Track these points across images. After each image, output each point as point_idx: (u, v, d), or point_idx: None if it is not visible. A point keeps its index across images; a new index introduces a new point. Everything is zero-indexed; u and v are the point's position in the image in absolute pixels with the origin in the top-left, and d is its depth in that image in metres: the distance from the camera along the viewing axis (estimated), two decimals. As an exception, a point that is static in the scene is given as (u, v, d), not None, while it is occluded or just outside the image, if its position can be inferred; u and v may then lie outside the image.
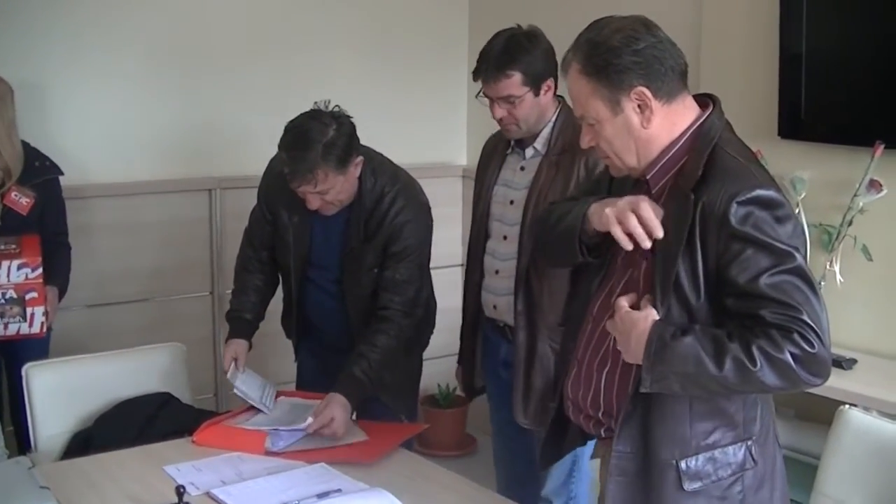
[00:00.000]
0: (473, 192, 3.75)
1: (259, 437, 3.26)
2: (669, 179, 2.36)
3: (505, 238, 3.50)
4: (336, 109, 3.49)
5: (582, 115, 2.39)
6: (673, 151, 2.35)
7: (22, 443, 3.92)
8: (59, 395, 3.67)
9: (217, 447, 3.24)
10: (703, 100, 2.45)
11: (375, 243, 3.59)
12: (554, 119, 3.46)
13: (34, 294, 4.06)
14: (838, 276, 3.99)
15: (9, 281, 4.02)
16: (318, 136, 3.37)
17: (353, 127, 3.48)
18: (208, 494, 2.86)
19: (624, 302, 2.34)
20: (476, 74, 3.41)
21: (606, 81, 2.31)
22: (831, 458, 2.89)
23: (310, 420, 3.33)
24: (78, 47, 4.89)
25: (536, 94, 3.36)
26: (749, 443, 2.38)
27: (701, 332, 2.24)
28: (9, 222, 4.19)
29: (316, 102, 3.52)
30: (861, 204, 3.88)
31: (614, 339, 2.39)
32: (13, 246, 4.08)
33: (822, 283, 4.01)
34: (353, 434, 3.35)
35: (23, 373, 3.66)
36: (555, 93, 3.45)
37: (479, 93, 3.45)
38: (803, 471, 3.41)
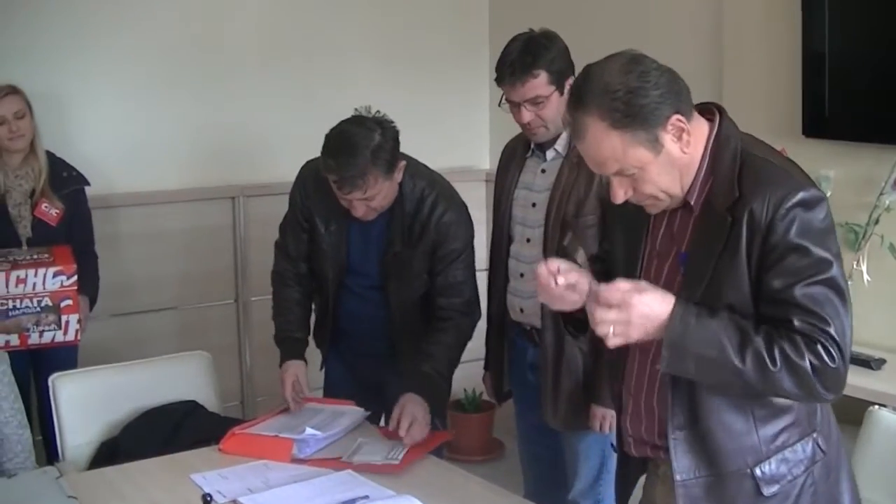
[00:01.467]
0: (494, 196, 3.71)
1: (286, 444, 3.25)
2: (701, 194, 2.32)
3: (528, 241, 3.47)
4: (378, 115, 3.47)
5: (619, 169, 2.26)
6: (702, 167, 2.31)
7: (50, 453, 3.93)
8: (85, 404, 3.67)
9: (244, 455, 3.23)
10: (707, 108, 2.39)
11: (422, 247, 3.57)
12: None
13: (69, 301, 4.08)
14: (865, 276, 3.97)
15: (44, 289, 4.05)
16: (365, 142, 3.34)
17: (397, 132, 3.45)
18: (234, 502, 2.86)
19: (622, 284, 2.26)
20: (500, 80, 3.35)
21: (643, 124, 2.21)
22: (861, 458, 2.88)
23: (343, 426, 3.37)
24: (99, 58, 4.93)
25: (561, 92, 3.31)
26: (815, 434, 2.37)
27: (728, 318, 2.23)
28: (38, 233, 4.24)
29: (357, 108, 3.49)
30: (887, 202, 3.86)
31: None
32: (46, 255, 4.12)
33: (850, 282, 3.97)
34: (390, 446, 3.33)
35: (49, 383, 3.67)
36: None
37: (501, 100, 3.40)
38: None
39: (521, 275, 3.50)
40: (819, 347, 2.17)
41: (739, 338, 2.20)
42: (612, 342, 2.26)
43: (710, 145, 2.32)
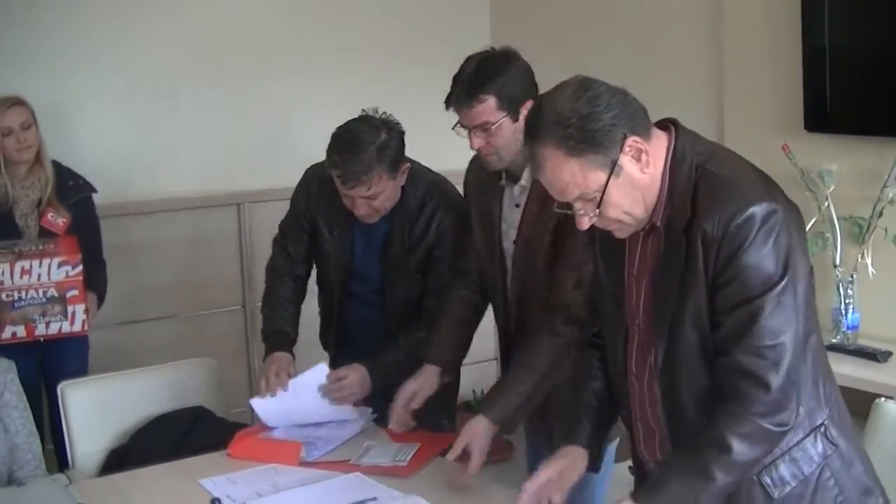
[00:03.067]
0: (472, 217, 3.47)
1: (294, 447, 3.25)
2: (665, 213, 2.31)
3: None
4: (385, 115, 3.49)
5: (580, 194, 2.26)
6: (664, 187, 2.30)
7: (62, 461, 3.95)
8: (94, 412, 3.69)
9: (252, 459, 3.24)
10: (664, 124, 2.37)
11: (419, 252, 3.57)
12: None
13: (75, 292, 4.11)
14: (870, 268, 3.97)
15: (49, 279, 4.07)
16: (371, 139, 3.35)
17: (402, 132, 3.46)
18: (243, 507, 2.87)
19: None
20: (448, 101, 3.13)
21: (598, 148, 2.21)
22: (867, 450, 2.85)
23: (350, 428, 3.40)
24: (104, 68, 4.95)
25: (515, 119, 3.06)
26: (822, 428, 2.36)
27: (677, 465, 2.30)
28: (45, 242, 4.27)
29: (364, 109, 3.50)
30: (891, 195, 3.86)
31: (656, 388, 2.39)
32: (52, 245, 4.14)
33: (855, 276, 3.99)
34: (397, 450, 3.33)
35: (58, 391, 3.69)
36: None
37: (455, 124, 3.16)
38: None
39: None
40: (753, 391, 2.21)
41: (694, 470, 2.25)
42: None
43: (668, 162, 2.31)
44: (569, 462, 2.63)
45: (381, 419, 3.52)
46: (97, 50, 4.93)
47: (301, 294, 3.81)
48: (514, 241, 3.21)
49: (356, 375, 3.45)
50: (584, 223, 2.32)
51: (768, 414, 2.21)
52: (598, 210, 2.28)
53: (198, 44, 5.17)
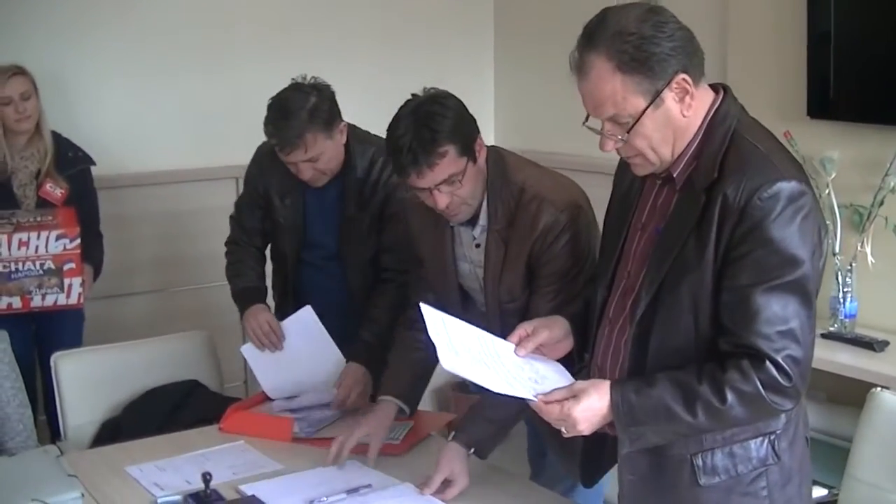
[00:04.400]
0: (414, 246, 3.27)
1: (286, 423, 3.25)
2: (686, 170, 2.28)
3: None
4: (314, 80, 3.53)
5: (614, 114, 2.22)
6: (695, 140, 2.27)
7: (54, 432, 3.94)
8: (87, 384, 3.69)
9: (244, 434, 3.24)
10: (714, 86, 2.35)
11: (372, 208, 3.59)
12: (486, 183, 2.95)
13: (72, 265, 4.10)
14: (869, 257, 3.96)
15: (47, 252, 4.07)
16: (300, 104, 3.40)
17: (333, 94, 3.51)
18: (236, 490, 2.85)
19: (556, 398, 2.28)
20: (401, 172, 2.84)
21: (648, 73, 2.17)
22: (863, 441, 2.87)
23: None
24: (105, 39, 4.93)
25: (474, 161, 2.87)
26: (772, 437, 2.31)
27: (667, 379, 2.22)
28: (43, 213, 4.25)
29: (294, 78, 3.56)
30: (892, 184, 3.85)
31: (627, 337, 2.36)
32: (50, 217, 4.13)
33: (854, 264, 3.98)
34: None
35: (51, 362, 3.68)
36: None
37: (410, 191, 2.93)
38: (835, 454, 3.38)
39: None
40: (768, 365, 2.14)
41: (683, 394, 2.19)
42: (567, 435, 2.30)
43: (707, 119, 2.28)
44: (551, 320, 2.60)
45: (373, 397, 3.51)
46: (98, 21, 4.90)
47: (262, 261, 3.85)
48: (484, 284, 3.04)
49: (349, 379, 3.43)
50: (609, 146, 2.28)
51: (773, 391, 2.15)
52: (626, 135, 2.24)
53: (198, 17, 5.14)
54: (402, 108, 2.88)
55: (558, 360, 2.56)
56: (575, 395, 2.25)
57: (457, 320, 2.56)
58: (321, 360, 3.52)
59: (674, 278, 2.25)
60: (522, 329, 2.52)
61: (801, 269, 2.14)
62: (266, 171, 3.68)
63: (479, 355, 2.45)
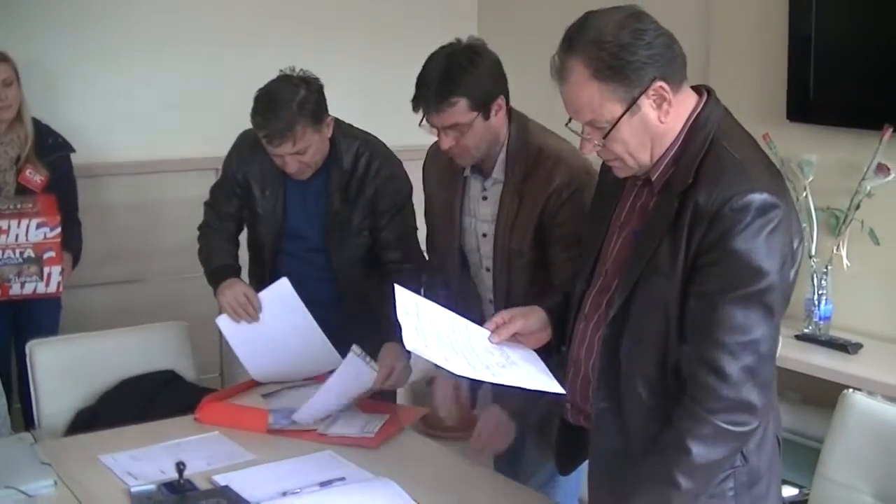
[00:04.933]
0: (426, 202, 3.47)
1: (261, 414, 3.25)
2: (665, 174, 2.29)
3: (488, 270, 3.29)
4: (302, 72, 3.53)
5: (592, 119, 2.25)
6: (675, 145, 2.28)
7: (29, 420, 3.93)
8: (63, 372, 3.67)
9: (220, 425, 3.24)
10: (697, 88, 2.36)
11: (361, 203, 3.59)
12: (506, 141, 3.12)
13: (52, 253, 4.09)
14: (845, 260, 3.98)
15: (27, 240, 4.06)
16: (290, 96, 3.40)
17: (321, 87, 3.50)
18: (209, 480, 2.84)
19: None
20: (415, 103, 3.01)
21: (624, 81, 2.19)
22: (834, 442, 2.87)
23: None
24: (89, 27, 4.93)
25: (486, 117, 3.01)
26: None
27: (640, 475, 2.25)
28: (22, 199, 4.23)
29: (282, 69, 3.55)
30: (868, 188, 3.87)
31: (600, 335, 2.38)
32: (30, 205, 4.12)
33: (829, 267, 4.00)
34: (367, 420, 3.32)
35: (27, 350, 3.66)
36: (508, 110, 3.11)
37: (421, 120, 3.05)
38: (806, 454, 3.40)
39: (490, 300, 3.30)
40: (716, 383, 2.16)
41: (660, 476, 2.21)
42: None
43: (688, 124, 2.28)
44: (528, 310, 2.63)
45: None
46: (80, 9, 4.89)
47: (235, 244, 3.83)
48: (493, 237, 3.16)
49: (390, 357, 3.36)
50: (587, 149, 2.31)
51: (727, 411, 2.17)
52: (603, 140, 2.26)
53: (181, 7, 5.14)
54: (443, 47, 3.05)
55: (537, 350, 2.59)
56: None
57: (432, 304, 2.62)
58: (300, 335, 3.52)
59: (646, 282, 2.27)
60: (500, 317, 2.57)
61: (765, 281, 2.15)
62: (247, 159, 3.68)
63: (448, 339, 2.51)
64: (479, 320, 2.96)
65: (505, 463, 3.59)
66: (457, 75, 2.95)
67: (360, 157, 3.58)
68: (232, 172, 3.74)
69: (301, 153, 3.44)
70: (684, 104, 2.29)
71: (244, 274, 3.80)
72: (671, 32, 2.28)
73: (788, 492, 3.70)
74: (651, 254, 2.26)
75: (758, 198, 2.14)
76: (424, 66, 3.03)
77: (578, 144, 2.34)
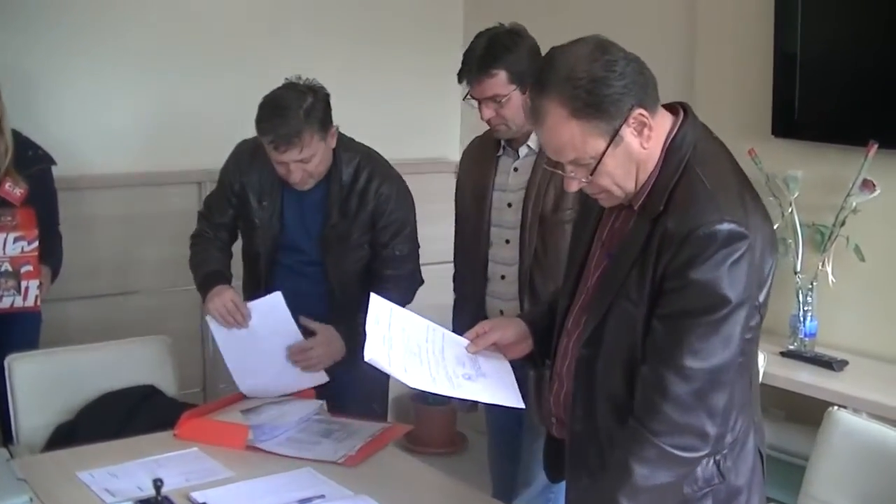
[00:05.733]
0: (457, 193, 3.70)
1: (241, 430, 3.21)
2: (643, 198, 2.29)
3: (507, 242, 3.45)
4: (308, 81, 3.53)
5: (575, 158, 2.23)
6: (655, 171, 2.27)
7: (6, 434, 3.89)
8: (42, 386, 3.64)
9: (199, 441, 3.20)
10: (673, 106, 2.34)
11: (360, 220, 3.60)
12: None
13: (29, 267, 4.03)
14: (830, 277, 3.97)
15: (4, 254, 4.00)
16: (297, 103, 3.41)
17: (328, 96, 3.51)
18: (187, 498, 2.81)
19: None
20: (460, 76, 3.37)
21: (604, 115, 2.17)
22: (819, 459, 2.86)
23: (299, 415, 3.35)
24: (71, 38, 4.88)
25: (524, 91, 3.21)
26: (718, 457, 2.30)
27: (586, 495, 2.31)
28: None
29: (287, 77, 3.56)
30: (854, 204, 3.86)
31: (584, 354, 2.36)
32: (9, 218, 4.06)
33: (815, 283, 3.99)
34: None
35: (5, 364, 3.63)
36: None
37: (465, 95, 3.39)
38: (791, 472, 3.38)
39: (503, 277, 3.48)
40: (665, 407, 2.16)
41: (601, 500, 2.22)
42: None
43: (665, 147, 2.27)
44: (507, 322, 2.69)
45: (333, 408, 3.49)
46: (63, 19, 4.85)
47: (227, 253, 3.82)
48: (520, 203, 3.37)
49: (323, 338, 3.48)
50: (573, 186, 2.30)
51: (672, 434, 2.16)
52: (590, 177, 2.25)
53: (166, 20, 5.11)
54: (488, 29, 3.38)
55: (520, 359, 2.65)
56: None
57: (408, 313, 2.67)
58: (287, 350, 3.51)
59: (617, 307, 2.27)
60: (480, 327, 2.61)
61: (723, 310, 2.14)
62: (245, 169, 3.67)
63: (418, 349, 2.54)
64: (480, 308, 3.41)
65: (503, 470, 3.63)
66: (498, 51, 3.27)
67: (360, 171, 3.59)
68: (229, 181, 3.73)
69: (306, 161, 3.45)
70: (662, 126, 2.28)
71: (238, 284, 3.79)
72: (638, 56, 2.25)
73: (773, 510, 3.69)
74: (622, 279, 2.26)
75: (724, 228, 2.13)
76: (470, 44, 3.36)
77: (563, 183, 2.33)
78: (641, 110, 2.20)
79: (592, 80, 2.16)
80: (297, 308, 3.58)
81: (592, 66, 2.17)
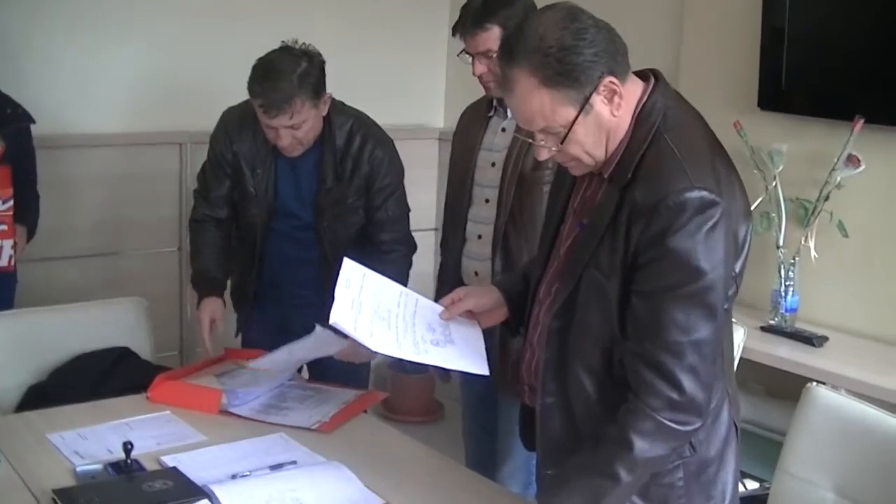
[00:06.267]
0: (451, 158, 3.68)
1: (215, 394, 3.18)
2: (613, 166, 2.27)
3: (487, 201, 3.44)
4: (304, 46, 3.50)
5: (545, 126, 2.22)
6: (626, 138, 2.25)
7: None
8: (14, 346, 3.57)
9: (171, 404, 3.17)
10: (643, 73, 2.32)
11: (355, 183, 3.59)
12: None
13: (3, 227, 4.00)
14: (813, 252, 3.95)
15: None
16: (291, 67, 3.37)
17: (323, 62, 3.48)
18: (157, 461, 2.77)
19: None
20: (455, 29, 3.36)
21: (574, 84, 2.15)
22: (796, 435, 2.84)
23: (273, 380, 3.30)
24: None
25: None
26: None
27: (578, 465, 2.25)
28: (-23, 169, 4.14)
29: (283, 41, 3.52)
30: (839, 179, 3.84)
31: (556, 324, 2.35)
32: None
33: (797, 259, 3.97)
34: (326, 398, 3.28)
35: (-22, 324, 3.59)
36: None
37: (461, 51, 3.36)
38: (769, 447, 3.38)
39: (479, 237, 3.47)
40: (659, 381, 2.15)
41: (597, 467, 2.21)
42: None
43: (635, 114, 2.25)
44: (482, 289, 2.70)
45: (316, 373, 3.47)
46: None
47: (228, 235, 3.79)
48: (502, 162, 3.37)
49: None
50: (543, 154, 2.29)
51: (672, 410, 2.16)
52: (560, 145, 2.23)
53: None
54: None
55: (499, 325, 2.69)
56: None
57: (382, 278, 2.67)
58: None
59: (588, 277, 2.26)
60: (455, 294, 2.61)
61: (703, 281, 2.13)
62: (234, 137, 3.64)
63: (387, 313, 2.55)
64: (455, 268, 3.45)
65: (477, 441, 3.62)
66: (495, 6, 3.27)
67: (353, 135, 3.58)
68: (221, 152, 3.69)
69: (296, 127, 3.42)
70: (632, 93, 2.26)
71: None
72: (608, 23, 2.23)
73: (750, 486, 3.68)
74: (593, 249, 2.25)
75: (695, 195, 2.12)
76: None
77: (533, 151, 2.33)
78: (612, 78, 2.18)
79: (562, 49, 2.14)
80: (290, 279, 3.60)
81: (562, 33, 2.15)
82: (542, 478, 2.50)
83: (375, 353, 2.47)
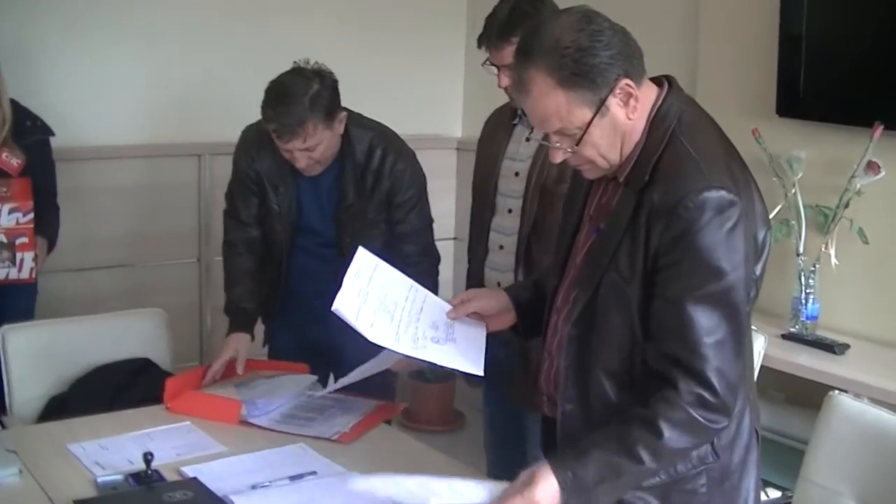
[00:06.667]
0: (475, 167, 3.66)
1: (234, 405, 3.18)
2: (628, 170, 2.27)
3: (510, 211, 3.43)
4: (316, 65, 3.48)
5: (561, 128, 2.22)
6: (640, 142, 2.25)
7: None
8: (36, 357, 3.61)
9: (191, 415, 3.17)
10: (658, 80, 2.32)
11: (377, 197, 3.58)
12: None
13: (24, 239, 4.01)
14: (833, 259, 3.93)
15: None
16: (303, 90, 3.36)
17: (335, 82, 3.47)
18: (178, 472, 2.77)
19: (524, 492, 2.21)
20: (479, 41, 3.33)
21: (590, 85, 2.16)
22: (819, 444, 2.83)
23: (291, 391, 3.30)
24: (70, 8, 4.84)
25: None
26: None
27: (602, 438, 2.21)
28: (-2, 183, 4.16)
29: (296, 61, 3.50)
30: (858, 185, 3.82)
31: (574, 332, 2.34)
32: (4, 189, 4.04)
33: (817, 266, 3.95)
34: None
35: (0, 335, 3.60)
36: None
37: (485, 61, 3.34)
38: (790, 456, 3.36)
39: (501, 247, 3.45)
40: (691, 381, 2.15)
41: (621, 446, 2.18)
42: None
43: (650, 119, 2.25)
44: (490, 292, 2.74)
45: (325, 380, 3.46)
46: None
47: (260, 259, 3.78)
48: (526, 173, 3.34)
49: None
50: (558, 157, 2.28)
51: (703, 408, 2.15)
52: (575, 147, 2.23)
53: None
54: None
55: (507, 330, 2.67)
56: (527, 484, 2.21)
57: (394, 271, 2.67)
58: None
59: (608, 283, 2.25)
60: (465, 294, 2.63)
61: (724, 281, 2.13)
62: (256, 156, 3.64)
63: (393, 306, 2.56)
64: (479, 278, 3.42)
65: (498, 450, 3.61)
66: (519, 18, 3.22)
67: (374, 149, 3.56)
68: (245, 171, 3.70)
69: (311, 150, 3.42)
70: (647, 98, 2.26)
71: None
72: (624, 28, 2.23)
73: (772, 494, 3.66)
74: (612, 254, 2.24)
75: (714, 195, 2.12)
76: (494, 9, 3.34)
77: (549, 154, 2.31)
78: (628, 81, 2.19)
79: (579, 50, 2.15)
80: (313, 293, 3.55)
81: (579, 35, 2.16)
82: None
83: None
